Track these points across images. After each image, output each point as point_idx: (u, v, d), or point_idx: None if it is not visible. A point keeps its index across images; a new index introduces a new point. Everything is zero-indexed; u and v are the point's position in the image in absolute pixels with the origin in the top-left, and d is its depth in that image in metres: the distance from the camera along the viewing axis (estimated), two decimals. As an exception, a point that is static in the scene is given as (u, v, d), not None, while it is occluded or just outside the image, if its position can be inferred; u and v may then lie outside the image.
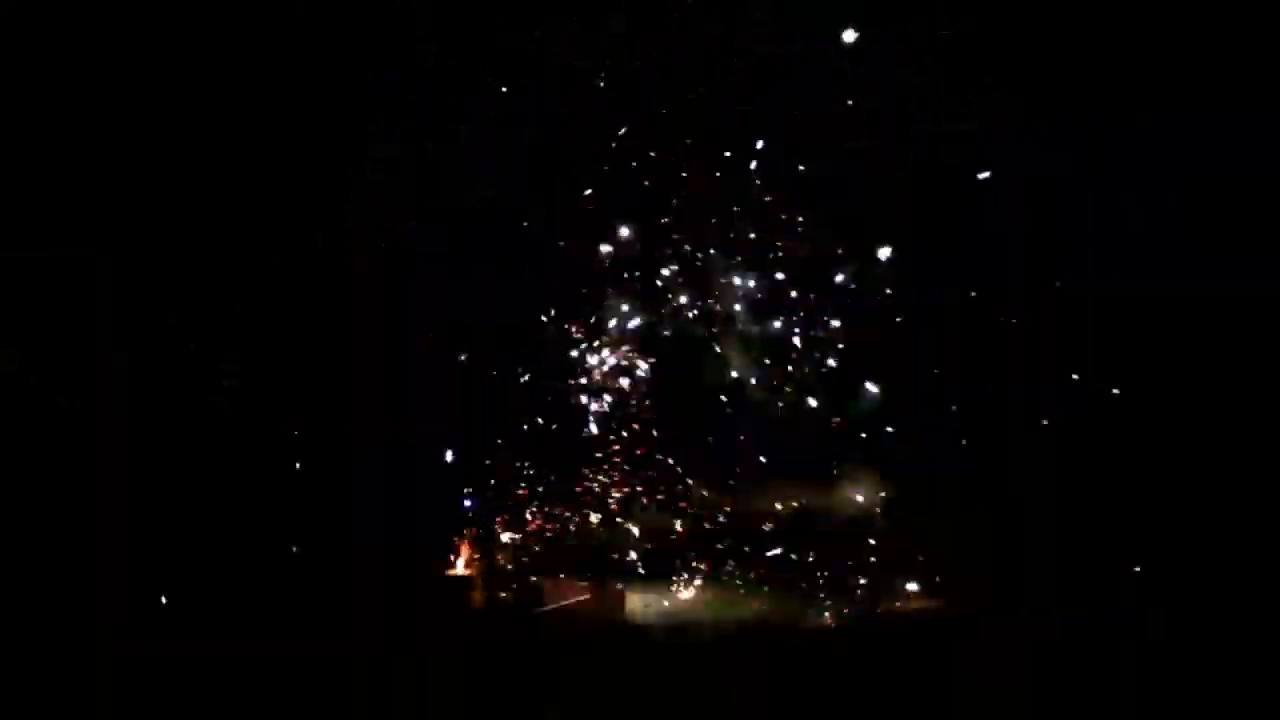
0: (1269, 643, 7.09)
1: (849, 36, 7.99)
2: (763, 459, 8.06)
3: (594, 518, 8.12)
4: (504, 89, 8.26)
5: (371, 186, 8.31)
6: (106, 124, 8.13)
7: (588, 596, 8.04)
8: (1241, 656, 7.05)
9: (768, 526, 8.02)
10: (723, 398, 8.16)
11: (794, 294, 8.18)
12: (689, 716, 7.11)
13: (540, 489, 8.17)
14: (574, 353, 8.27)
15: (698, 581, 8.06)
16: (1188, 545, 7.52)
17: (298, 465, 8.04)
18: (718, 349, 8.20)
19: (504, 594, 8.03)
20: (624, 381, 8.23)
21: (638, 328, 8.24)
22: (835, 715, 7.09)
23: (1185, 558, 7.50)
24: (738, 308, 8.21)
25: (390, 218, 8.32)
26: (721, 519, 8.06)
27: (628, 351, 8.24)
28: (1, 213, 8.02)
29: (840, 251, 8.11)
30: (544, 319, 8.29)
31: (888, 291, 8.08)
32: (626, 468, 8.13)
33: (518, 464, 8.19)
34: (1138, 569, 7.54)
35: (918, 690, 7.15)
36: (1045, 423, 7.81)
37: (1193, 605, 7.29)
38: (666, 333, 8.25)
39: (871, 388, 8.04)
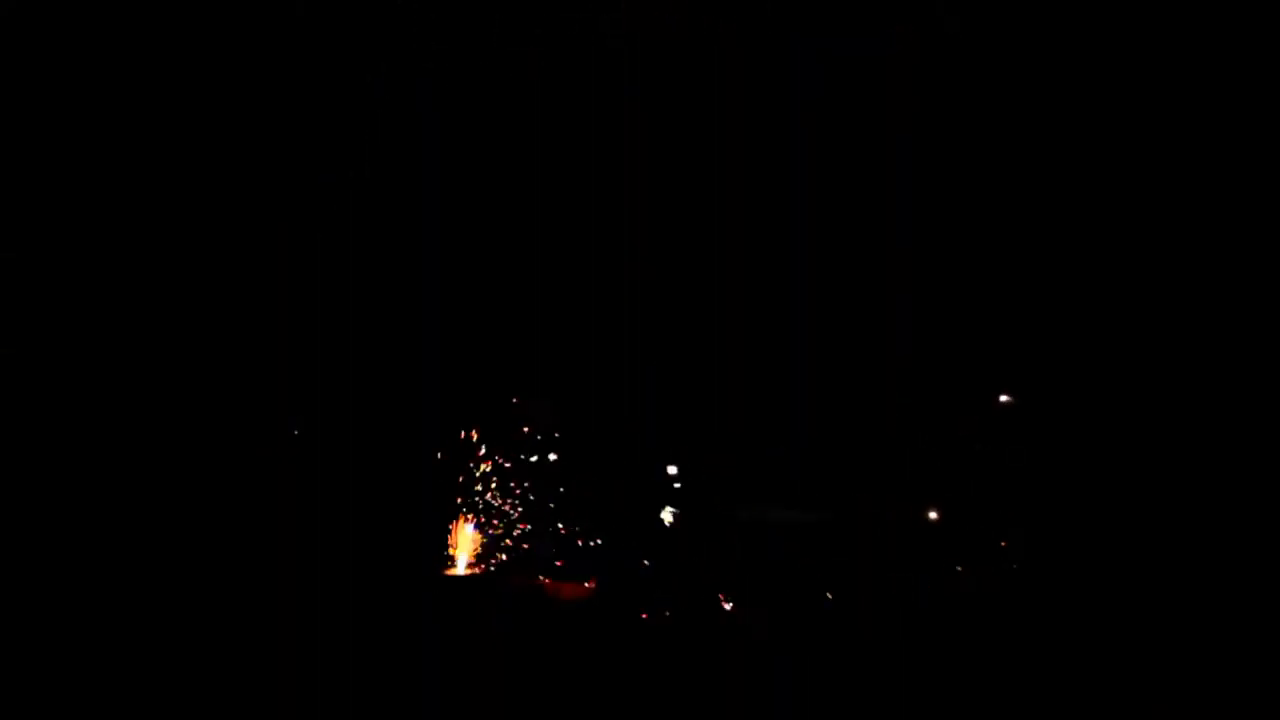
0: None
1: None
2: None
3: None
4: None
5: (371, 187, 8.32)
6: (105, 124, 8.13)
7: (587, 596, 8.04)
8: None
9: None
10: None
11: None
12: (686, 713, 7.11)
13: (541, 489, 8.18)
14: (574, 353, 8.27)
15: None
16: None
17: (297, 465, 8.03)
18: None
19: (504, 594, 8.02)
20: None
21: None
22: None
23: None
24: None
25: (389, 218, 8.33)
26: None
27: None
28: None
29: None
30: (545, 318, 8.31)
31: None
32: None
33: (518, 465, 8.20)
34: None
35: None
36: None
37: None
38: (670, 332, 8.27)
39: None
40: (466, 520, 8.12)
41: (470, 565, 8.11)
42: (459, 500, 8.14)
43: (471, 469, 8.16)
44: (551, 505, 8.14)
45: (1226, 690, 6.88)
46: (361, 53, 8.28)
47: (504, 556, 8.10)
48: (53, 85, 8.08)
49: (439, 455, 8.17)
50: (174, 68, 8.19)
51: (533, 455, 8.18)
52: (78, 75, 8.09)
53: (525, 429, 8.14)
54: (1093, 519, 7.67)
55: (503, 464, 8.16)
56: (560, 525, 8.10)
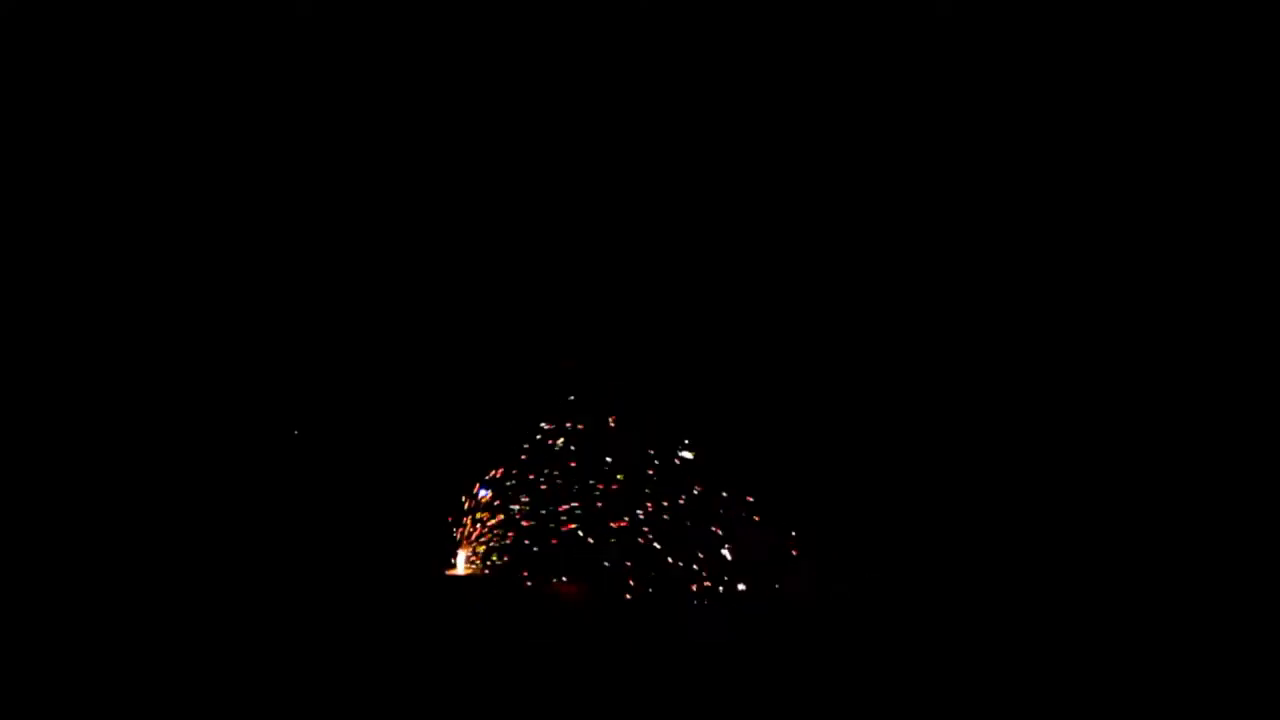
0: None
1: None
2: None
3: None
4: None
5: (371, 187, 8.34)
6: (104, 124, 8.16)
7: (586, 596, 8.06)
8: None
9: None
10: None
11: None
12: (687, 713, 7.13)
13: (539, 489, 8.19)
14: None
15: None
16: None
17: (296, 465, 8.06)
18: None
19: (504, 594, 8.04)
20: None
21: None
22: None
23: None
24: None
25: (389, 218, 8.35)
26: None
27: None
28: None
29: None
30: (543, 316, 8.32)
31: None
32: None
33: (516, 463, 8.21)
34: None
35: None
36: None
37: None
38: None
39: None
40: (467, 521, 8.14)
41: (470, 565, 8.13)
42: (460, 500, 8.16)
43: (474, 469, 8.19)
44: (552, 506, 8.16)
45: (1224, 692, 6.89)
46: (361, 52, 8.29)
47: (505, 557, 8.12)
48: (53, 85, 8.11)
49: (440, 454, 8.19)
50: (174, 67, 8.21)
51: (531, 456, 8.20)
52: (78, 75, 8.11)
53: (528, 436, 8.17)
54: (1092, 520, 7.68)
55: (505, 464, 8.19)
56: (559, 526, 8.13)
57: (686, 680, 7.27)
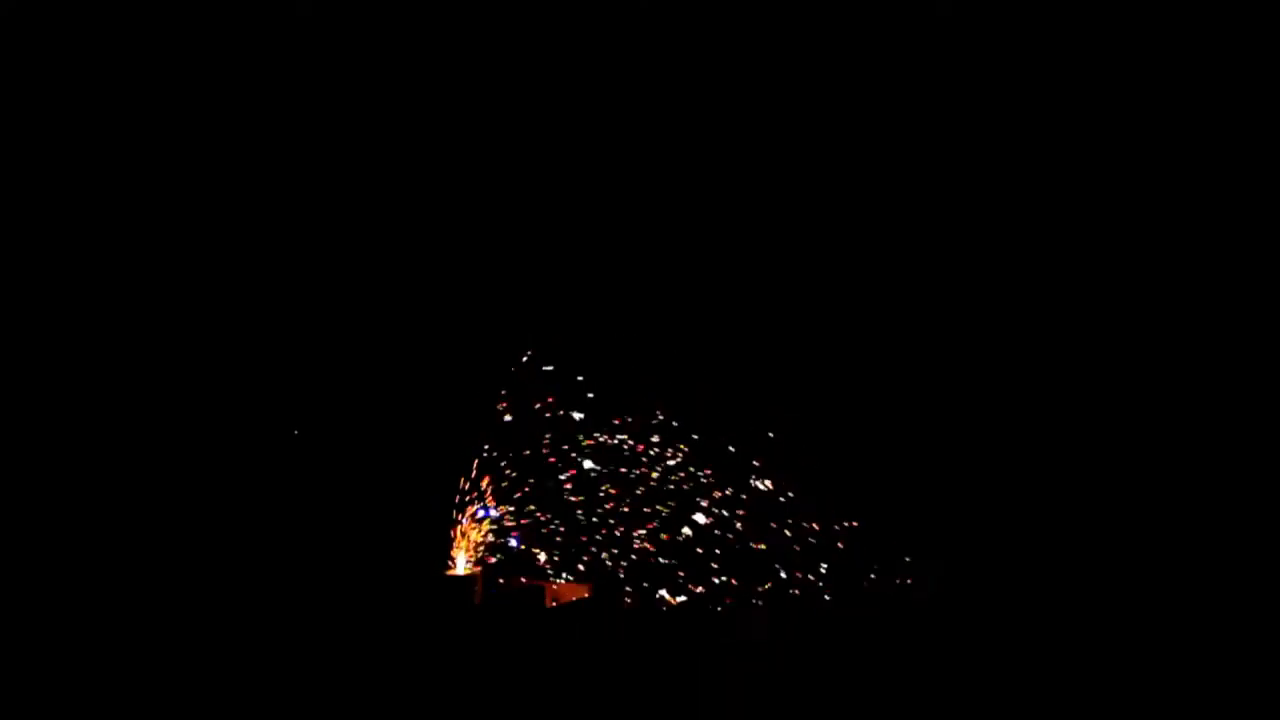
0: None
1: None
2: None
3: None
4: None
5: (370, 187, 8.34)
6: (104, 124, 8.17)
7: (586, 597, 8.06)
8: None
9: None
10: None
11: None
12: (687, 714, 7.13)
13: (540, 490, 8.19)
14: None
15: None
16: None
17: (297, 465, 8.06)
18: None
19: (504, 594, 8.04)
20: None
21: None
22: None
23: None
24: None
25: (389, 218, 8.36)
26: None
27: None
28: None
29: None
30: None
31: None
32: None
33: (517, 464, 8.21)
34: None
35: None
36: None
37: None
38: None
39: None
40: (467, 521, 8.14)
41: (470, 565, 8.13)
42: (461, 500, 8.16)
43: (474, 470, 8.19)
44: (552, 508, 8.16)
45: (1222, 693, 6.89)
46: (362, 52, 8.30)
47: (504, 557, 8.13)
48: (53, 85, 8.12)
49: (440, 455, 8.19)
50: (175, 67, 8.21)
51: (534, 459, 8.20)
52: (78, 75, 8.12)
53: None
54: (1093, 520, 7.68)
55: (505, 466, 8.18)
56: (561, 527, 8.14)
57: (685, 680, 7.27)
